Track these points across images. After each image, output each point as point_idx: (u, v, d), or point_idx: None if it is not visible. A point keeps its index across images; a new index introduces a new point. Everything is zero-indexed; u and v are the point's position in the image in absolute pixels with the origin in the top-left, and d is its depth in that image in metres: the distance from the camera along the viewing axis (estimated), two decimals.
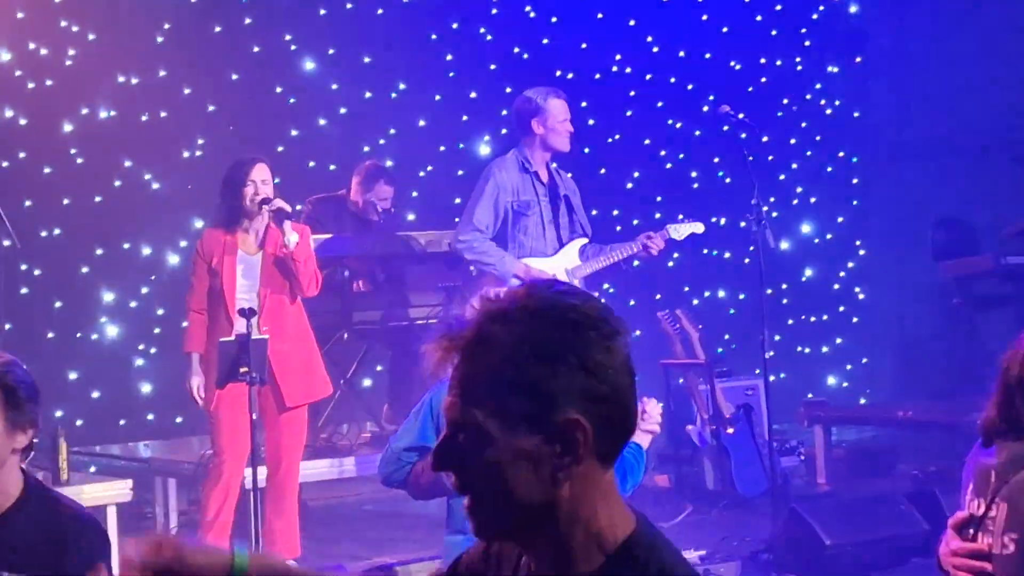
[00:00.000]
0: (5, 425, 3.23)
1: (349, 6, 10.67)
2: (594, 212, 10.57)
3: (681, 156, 11.74)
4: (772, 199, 9.53)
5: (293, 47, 10.45)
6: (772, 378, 8.81)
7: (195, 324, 6.82)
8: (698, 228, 8.01)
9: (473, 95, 10.96)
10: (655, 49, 11.67)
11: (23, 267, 9.13)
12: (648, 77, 11.66)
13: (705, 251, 11.84)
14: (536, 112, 7.50)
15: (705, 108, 11.42)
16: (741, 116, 7.96)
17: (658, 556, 1.82)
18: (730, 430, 8.84)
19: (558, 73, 11.07)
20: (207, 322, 6.78)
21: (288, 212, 6.82)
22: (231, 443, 6.70)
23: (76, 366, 9.56)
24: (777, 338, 10.75)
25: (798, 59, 12.21)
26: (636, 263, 11.30)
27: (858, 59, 12.35)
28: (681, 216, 8.05)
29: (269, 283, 6.77)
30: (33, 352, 8.91)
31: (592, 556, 1.80)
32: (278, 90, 10.35)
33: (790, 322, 11.99)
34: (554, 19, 11.35)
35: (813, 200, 12.33)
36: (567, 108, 7.59)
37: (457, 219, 10.16)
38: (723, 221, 11.75)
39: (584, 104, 10.73)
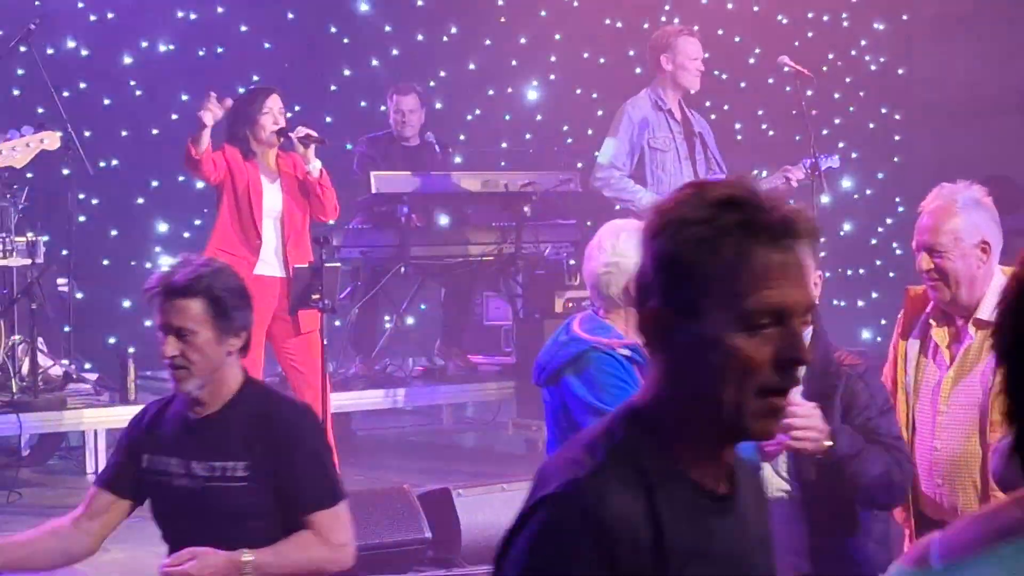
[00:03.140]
0: (215, 333, 3.47)
1: None
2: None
3: (726, 107, 11.84)
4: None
5: None
6: None
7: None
8: (834, 163, 8.41)
9: (523, 40, 11.09)
10: (704, 0, 11.76)
11: (81, 196, 9.32)
12: (695, 27, 11.71)
13: None
14: (665, 48, 7.74)
15: (751, 60, 11.51)
16: (803, 70, 8.11)
17: None
18: None
19: (607, 22, 11.18)
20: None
21: (316, 138, 6.89)
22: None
23: (130, 294, 9.75)
24: None
25: (844, 15, 12.26)
26: None
27: (904, 16, 12.40)
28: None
29: (290, 212, 6.91)
30: (88, 279, 9.17)
31: None
32: (332, 30, 10.50)
33: (826, 275, 12.07)
34: None
35: (854, 156, 12.40)
36: (699, 48, 7.86)
37: (503, 163, 10.38)
38: (764, 174, 11.84)
39: (631, 52, 10.85)
